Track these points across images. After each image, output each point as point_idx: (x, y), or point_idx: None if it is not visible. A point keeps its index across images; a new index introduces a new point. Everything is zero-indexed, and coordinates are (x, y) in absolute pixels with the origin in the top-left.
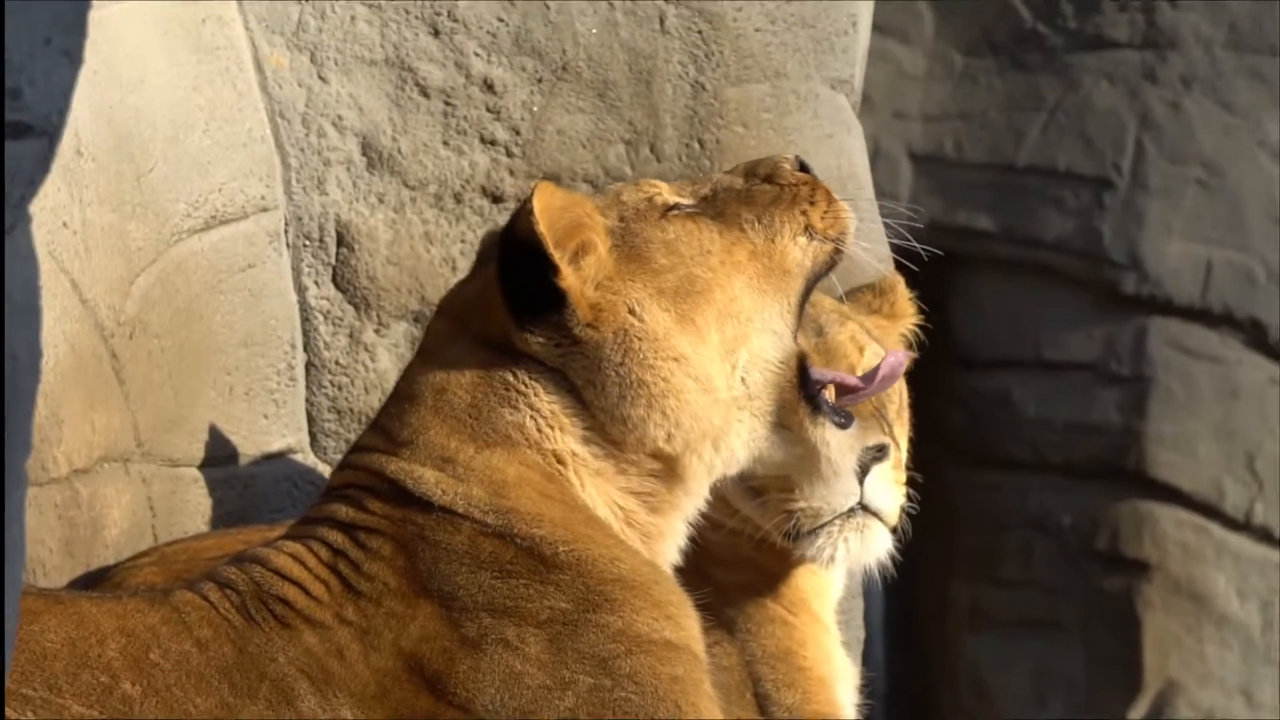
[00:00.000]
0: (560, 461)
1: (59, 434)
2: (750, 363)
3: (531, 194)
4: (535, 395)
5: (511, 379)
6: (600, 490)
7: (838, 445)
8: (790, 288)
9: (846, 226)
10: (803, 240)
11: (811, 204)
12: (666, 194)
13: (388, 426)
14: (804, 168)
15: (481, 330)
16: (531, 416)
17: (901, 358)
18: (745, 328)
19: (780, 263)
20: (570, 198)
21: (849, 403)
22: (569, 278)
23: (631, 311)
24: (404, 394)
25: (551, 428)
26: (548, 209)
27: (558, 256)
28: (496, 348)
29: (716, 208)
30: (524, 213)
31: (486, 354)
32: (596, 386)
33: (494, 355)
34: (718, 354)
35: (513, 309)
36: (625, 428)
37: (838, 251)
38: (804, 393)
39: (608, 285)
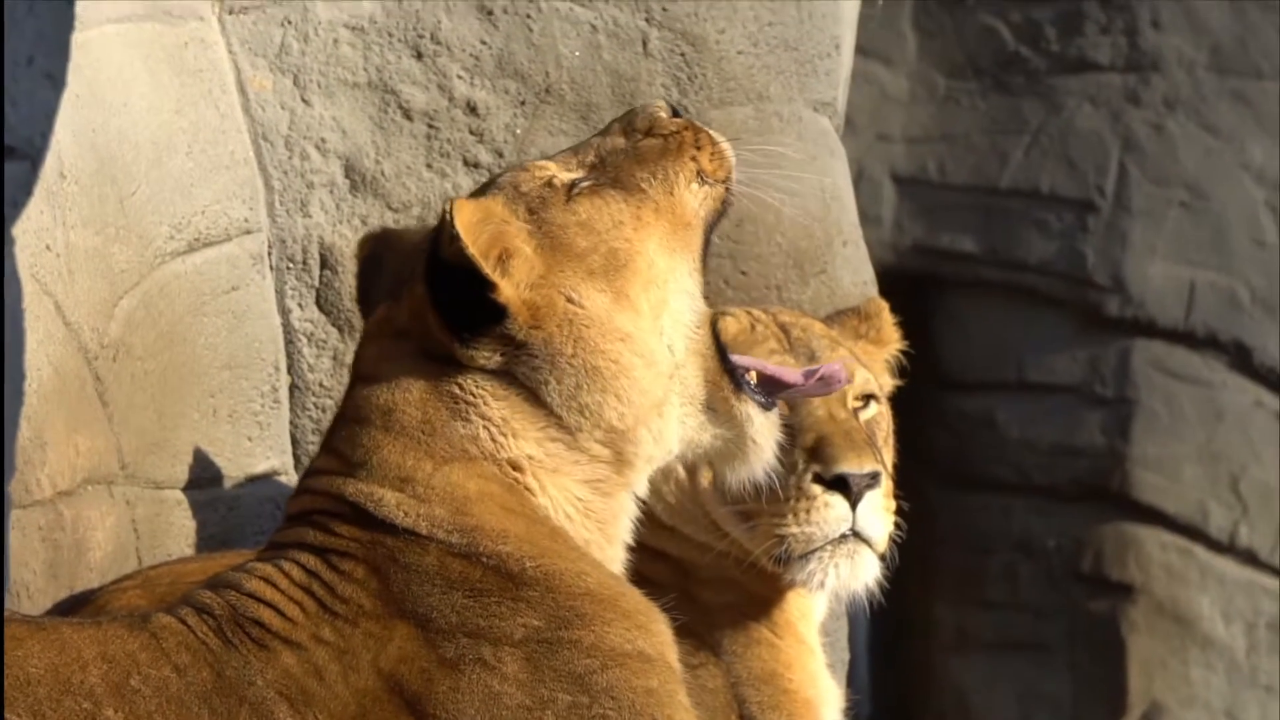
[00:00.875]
0: (517, 468)
1: (43, 456)
2: (673, 328)
3: (450, 214)
4: (484, 404)
5: (459, 391)
6: (559, 487)
7: (761, 424)
8: (694, 241)
9: (732, 166)
10: (695, 187)
11: (698, 148)
12: (559, 173)
13: (340, 449)
14: (677, 113)
15: (420, 346)
16: (484, 426)
17: (841, 371)
18: (664, 291)
19: (682, 216)
20: (483, 207)
21: (785, 398)
22: (505, 290)
23: (570, 300)
24: (350, 418)
25: (505, 435)
26: (469, 227)
27: (489, 272)
28: (439, 360)
29: (610, 174)
30: (448, 236)
31: (429, 368)
32: (550, 382)
33: (437, 368)
34: (650, 324)
35: (450, 326)
36: (582, 416)
37: (729, 193)
38: (724, 365)
39: (540, 283)
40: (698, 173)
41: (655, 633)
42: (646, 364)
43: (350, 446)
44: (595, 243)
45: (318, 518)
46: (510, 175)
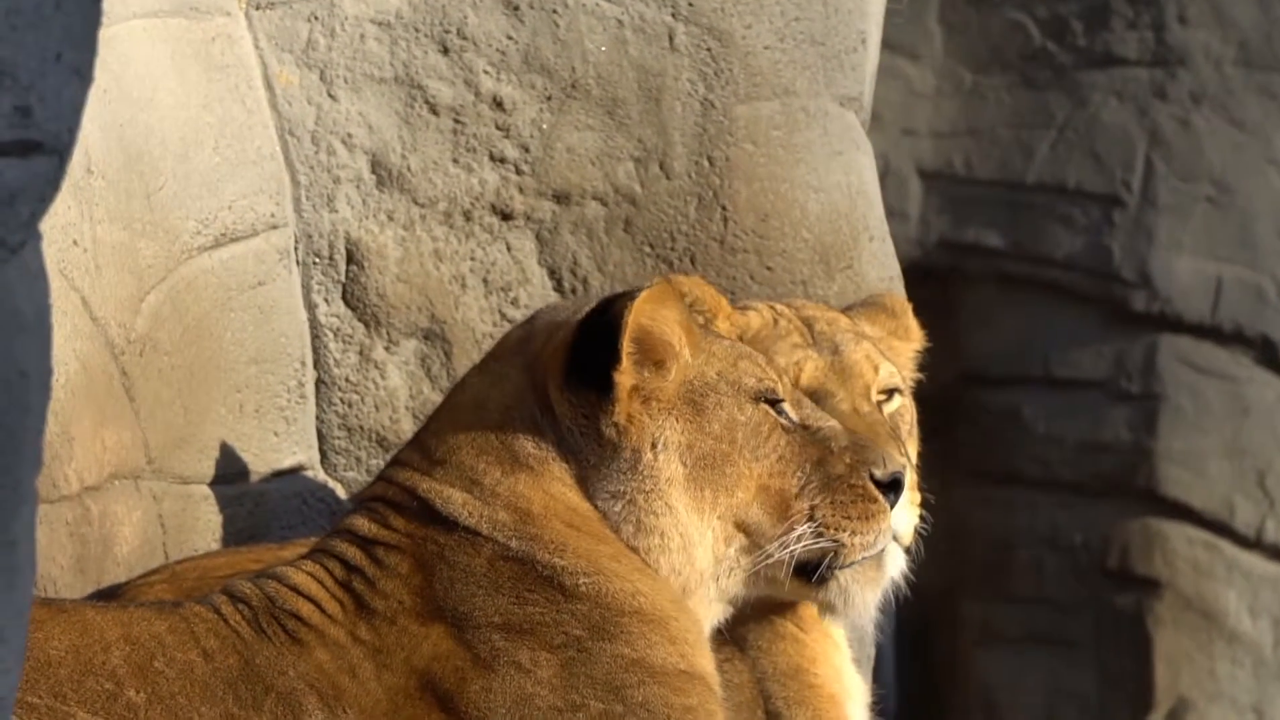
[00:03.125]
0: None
1: (70, 451)
2: (722, 554)
3: (649, 285)
4: (555, 444)
5: (537, 417)
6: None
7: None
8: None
9: (849, 546)
10: (806, 527)
11: (831, 504)
12: (781, 389)
13: (426, 442)
14: (894, 482)
15: (534, 358)
16: (552, 459)
17: None
18: (737, 525)
19: (784, 505)
20: (678, 319)
21: None
22: (625, 374)
23: (653, 446)
24: (450, 403)
25: (568, 477)
26: (647, 311)
27: (627, 352)
28: (538, 379)
29: (802, 437)
30: (628, 298)
31: (526, 380)
32: (598, 476)
33: (531, 385)
34: (712, 532)
35: (569, 364)
36: (618, 528)
37: (833, 553)
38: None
39: (652, 407)
40: (814, 510)
41: (700, 659)
42: (682, 547)
43: (435, 441)
44: (722, 437)
45: (379, 506)
46: (745, 348)
